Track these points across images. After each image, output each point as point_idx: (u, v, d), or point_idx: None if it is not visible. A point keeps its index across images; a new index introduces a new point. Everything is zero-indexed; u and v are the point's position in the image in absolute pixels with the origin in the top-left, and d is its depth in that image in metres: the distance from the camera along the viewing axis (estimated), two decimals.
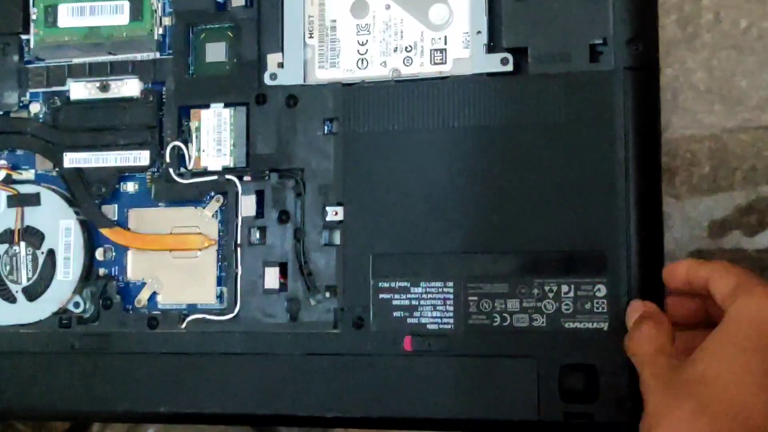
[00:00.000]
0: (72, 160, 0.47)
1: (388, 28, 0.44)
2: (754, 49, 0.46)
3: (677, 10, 0.47)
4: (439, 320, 0.42)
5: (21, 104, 0.48)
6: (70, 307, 0.46)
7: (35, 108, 0.48)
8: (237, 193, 0.45)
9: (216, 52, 0.46)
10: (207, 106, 0.45)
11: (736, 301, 0.34)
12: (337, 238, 0.44)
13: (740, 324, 0.34)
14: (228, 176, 0.45)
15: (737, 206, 0.46)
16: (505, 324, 0.41)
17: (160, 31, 0.47)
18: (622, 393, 0.39)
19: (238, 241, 0.45)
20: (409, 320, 0.42)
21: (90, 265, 0.46)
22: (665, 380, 0.35)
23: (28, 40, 0.48)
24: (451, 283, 0.42)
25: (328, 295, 0.44)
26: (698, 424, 0.32)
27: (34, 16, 0.47)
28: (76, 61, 0.47)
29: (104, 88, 0.47)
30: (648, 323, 0.38)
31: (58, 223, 0.47)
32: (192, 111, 0.45)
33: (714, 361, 0.33)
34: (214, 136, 0.45)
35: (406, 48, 0.43)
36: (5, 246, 0.46)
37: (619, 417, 0.39)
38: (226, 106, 0.45)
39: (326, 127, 0.43)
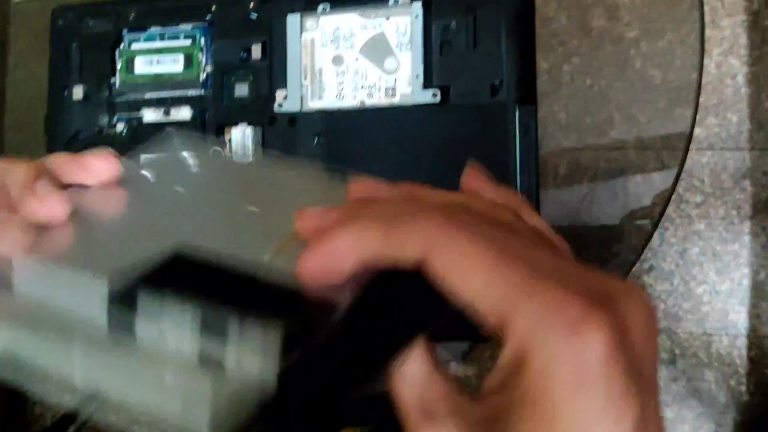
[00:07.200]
0: None
1: (357, 73, 0.51)
2: (595, 99, 0.58)
3: (546, 73, 0.57)
4: None
5: (111, 124, 0.56)
6: None
7: (120, 127, 0.56)
8: None
9: (241, 89, 0.53)
10: (236, 125, 0.53)
11: None
12: None
13: None
14: None
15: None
16: None
17: (204, 75, 0.54)
18: None
19: None
20: None
21: None
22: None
23: (115, 82, 0.56)
24: None
25: None
26: None
27: (119, 66, 0.55)
28: (147, 95, 0.55)
29: (167, 113, 0.55)
30: None
31: None
32: (226, 128, 0.53)
33: None
34: (241, 145, 0.53)
35: (369, 86, 0.51)
36: None
37: None
38: (249, 125, 0.52)
39: (316, 139, 0.51)
